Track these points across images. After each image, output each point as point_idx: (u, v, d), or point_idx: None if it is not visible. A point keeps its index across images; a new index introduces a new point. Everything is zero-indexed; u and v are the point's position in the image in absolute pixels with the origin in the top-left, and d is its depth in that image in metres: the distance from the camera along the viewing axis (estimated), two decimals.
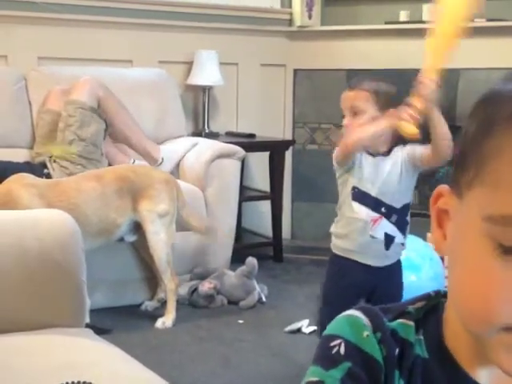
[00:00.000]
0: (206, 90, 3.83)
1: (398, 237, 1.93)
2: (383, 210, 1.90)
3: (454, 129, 4.51)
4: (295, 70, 4.20)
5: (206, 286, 3.01)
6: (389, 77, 3.93)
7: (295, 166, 4.23)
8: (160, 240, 2.76)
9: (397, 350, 0.59)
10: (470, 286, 0.53)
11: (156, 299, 3.01)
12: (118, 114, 3.13)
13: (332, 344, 0.60)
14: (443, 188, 0.58)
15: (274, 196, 3.77)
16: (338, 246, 1.98)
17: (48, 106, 3.19)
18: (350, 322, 0.61)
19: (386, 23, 3.98)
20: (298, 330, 2.75)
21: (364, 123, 1.90)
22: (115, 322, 2.80)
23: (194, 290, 3.01)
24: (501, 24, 3.71)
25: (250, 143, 3.73)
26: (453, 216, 0.57)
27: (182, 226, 2.92)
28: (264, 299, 3.09)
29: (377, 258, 1.94)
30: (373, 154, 1.93)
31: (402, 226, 1.94)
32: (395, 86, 2.01)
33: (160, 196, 2.77)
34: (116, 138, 3.19)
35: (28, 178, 2.74)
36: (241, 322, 2.88)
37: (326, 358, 0.59)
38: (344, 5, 4.18)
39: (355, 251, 1.93)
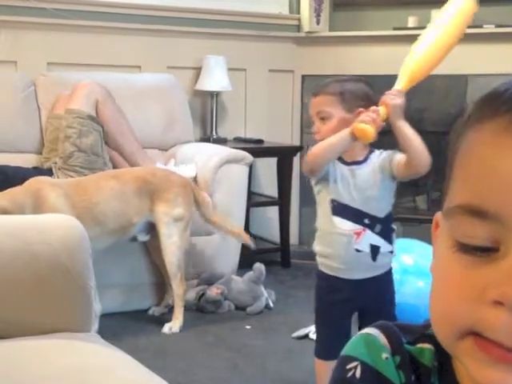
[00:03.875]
0: (214, 95, 3.83)
1: (384, 246, 1.83)
2: (366, 221, 1.81)
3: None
4: (303, 76, 4.20)
5: (213, 292, 3.01)
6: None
7: (303, 172, 4.23)
8: (173, 243, 2.77)
9: (413, 377, 0.56)
10: (436, 293, 0.52)
11: (163, 305, 3.01)
12: (113, 120, 3.12)
13: (348, 367, 0.57)
14: (439, 214, 0.56)
15: (282, 202, 3.77)
16: (324, 263, 1.87)
17: (57, 112, 3.20)
18: (368, 342, 0.58)
19: (395, 29, 3.98)
20: (306, 336, 2.74)
21: (332, 127, 1.83)
22: (122, 326, 2.80)
23: (202, 296, 3.01)
24: (510, 30, 3.70)
25: (258, 149, 3.74)
26: (438, 235, 0.55)
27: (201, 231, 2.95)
28: (271, 305, 3.09)
29: (365, 271, 1.84)
30: (348, 163, 1.84)
31: (386, 235, 1.84)
32: (365, 83, 1.92)
33: (177, 200, 2.78)
34: (108, 143, 3.15)
35: (49, 179, 2.79)
36: (248, 327, 2.88)
37: (342, 382, 0.57)
38: (352, 10, 4.18)
39: (342, 268, 1.84)
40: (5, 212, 2.41)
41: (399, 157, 1.79)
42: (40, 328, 1.44)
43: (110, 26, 3.62)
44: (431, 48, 1.87)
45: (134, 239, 2.88)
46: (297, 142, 4.21)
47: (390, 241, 1.85)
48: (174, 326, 2.79)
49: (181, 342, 2.70)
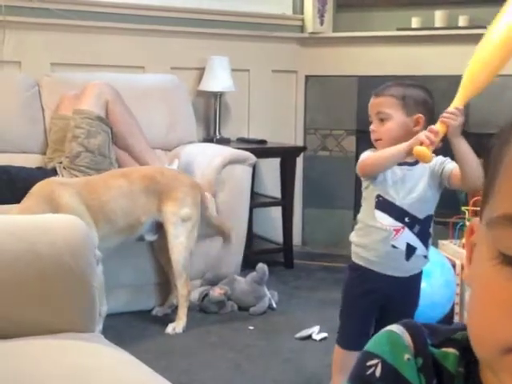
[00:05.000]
0: (217, 96, 3.84)
1: (420, 248, 1.89)
2: (407, 219, 1.87)
3: (467, 136, 4.48)
4: (307, 77, 4.20)
5: (216, 292, 3.01)
6: None
7: (306, 173, 4.23)
8: (180, 243, 2.77)
9: (434, 382, 0.54)
10: (476, 305, 0.49)
11: (167, 305, 3.01)
12: (123, 121, 3.13)
13: (368, 363, 0.56)
14: (475, 221, 0.54)
15: (285, 202, 3.77)
16: (358, 254, 1.94)
17: (61, 112, 3.21)
18: (391, 340, 0.56)
19: (398, 30, 3.98)
20: (309, 337, 2.74)
21: (390, 129, 1.88)
22: (126, 326, 2.80)
23: (205, 296, 3.02)
24: None
25: (262, 149, 3.74)
26: (477, 243, 0.52)
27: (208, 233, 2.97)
28: (274, 305, 3.09)
29: (396, 269, 1.90)
30: (400, 163, 1.89)
31: (424, 238, 1.90)
32: (425, 90, 1.97)
33: (185, 200, 2.78)
34: (117, 144, 3.16)
35: (57, 179, 2.80)
36: (251, 328, 2.88)
37: (360, 379, 0.56)
38: (356, 11, 4.18)
39: (375, 261, 1.90)
40: None
41: (451, 167, 1.84)
42: (43, 328, 1.44)
43: (114, 26, 3.62)
44: (486, 60, 1.87)
45: (142, 239, 2.88)
46: (300, 143, 4.21)
47: (426, 245, 1.91)
48: (177, 326, 2.79)
49: (184, 342, 2.71)
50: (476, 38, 3.95)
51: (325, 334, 2.70)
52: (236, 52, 3.90)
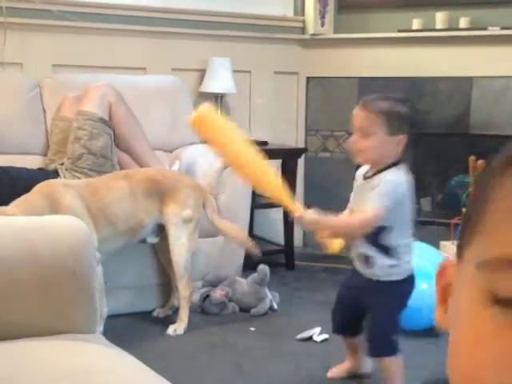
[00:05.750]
0: (218, 97, 3.84)
1: (379, 258, 2.00)
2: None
3: (468, 138, 4.46)
4: (308, 78, 4.20)
5: (217, 293, 3.01)
6: (402, 85, 3.96)
7: (307, 174, 4.23)
8: (181, 245, 2.77)
9: None
10: (459, 349, 0.45)
11: (168, 306, 3.01)
12: (125, 122, 3.13)
13: None
14: (447, 261, 0.51)
15: None
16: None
17: (62, 113, 3.21)
18: None
19: (399, 31, 3.98)
20: (310, 338, 2.74)
21: (371, 146, 1.89)
22: (127, 328, 2.81)
23: (206, 297, 3.02)
24: None
25: (263, 151, 3.73)
26: (454, 283, 0.50)
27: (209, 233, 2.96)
28: (276, 307, 3.09)
29: (364, 271, 2.07)
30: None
31: (381, 248, 1.98)
32: (407, 105, 1.99)
33: (187, 201, 2.78)
34: (119, 145, 3.15)
35: (60, 180, 2.79)
36: (252, 329, 2.88)
37: None
38: (357, 13, 4.18)
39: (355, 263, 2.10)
40: None
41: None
42: (45, 329, 1.44)
43: (115, 28, 3.62)
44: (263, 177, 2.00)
45: (144, 241, 2.88)
46: (301, 144, 4.21)
47: (386, 255, 1.99)
48: (178, 327, 2.79)
49: (185, 343, 2.71)
50: (477, 39, 3.96)
51: (326, 336, 2.70)
52: (237, 53, 3.90)
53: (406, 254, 2.03)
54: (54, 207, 2.53)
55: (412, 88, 3.96)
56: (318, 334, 2.75)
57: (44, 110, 3.29)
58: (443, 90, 3.92)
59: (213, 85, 3.76)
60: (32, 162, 3.16)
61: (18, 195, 2.65)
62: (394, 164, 1.98)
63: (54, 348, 1.39)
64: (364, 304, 2.10)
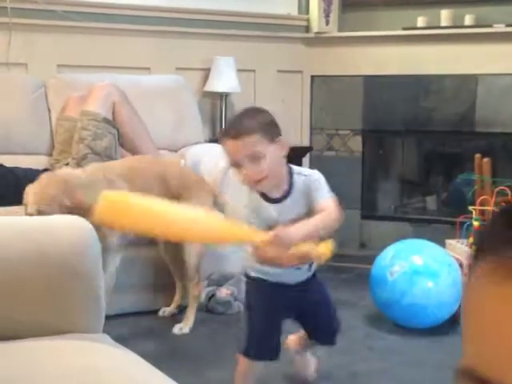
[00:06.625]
0: (223, 96, 3.84)
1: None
2: None
3: (473, 135, 4.44)
4: (312, 77, 4.20)
5: (223, 293, 3.01)
6: (406, 83, 3.95)
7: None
8: (193, 247, 2.78)
9: None
10: None
11: (174, 305, 3.01)
12: (129, 122, 3.13)
13: None
14: None
15: None
16: None
17: (67, 113, 3.21)
18: None
19: (404, 29, 3.97)
20: None
21: (270, 164, 1.80)
22: (133, 327, 2.81)
23: (211, 297, 3.02)
24: None
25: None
26: None
27: None
28: None
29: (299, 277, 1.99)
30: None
31: None
32: (266, 111, 1.91)
33: (195, 201, 2.75)
34: (123, 145, 3.15)
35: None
36: None
37: None
38: (361, 11, 4.17)
39: None
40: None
41: (321, 203, 1.87)
42: (49, 329, 1.44)
43: (119, 28, 3.63)
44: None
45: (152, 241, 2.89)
46: (306, 143, 4.21)
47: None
48: (184, 326, 2.80)
49: (191, 342, 2.71)
50: (482, 37, 3.94)
51: None
52: (241, 52, 3.90)
53: None
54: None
55: (417, 86, 3.95)
56: None
57: (49, 110, 3.29)
58: (448, 87, 3.91)
59: (217, 84, 3.76)
60: (37, 162, 3.16)
61: (23, 195, 2.64)
62: (290, 169, 1.90)
63: (59, 347, 1.39)
64: (307, 306, 2.03)
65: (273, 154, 1.81)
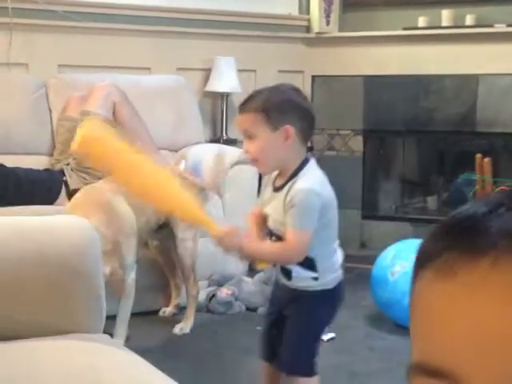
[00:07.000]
0: (224, 96, 3.84)
1: (299, 270, 1.76)
2: (273, 239, 1.79)
3: (474, 135, 4.45)
4: (313, 77, 4.20)
5: (223, 293, 3.01)
6: (407, 83, 3.95)
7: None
8: (188, 247, 2.78)
9: None
10: None
11: (174, 305, 3.01)
12: (130, 123, 3.13)
13: None
14: None
15: None
16: None
17: (68, 113, 3.22)
18: None
19: (405, 29, 3.97)
20: None
21: (259, 148, 1.71)
22: (133, 327, 2.80)
23: (212, 297, 3.02)
24: None
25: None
26: None
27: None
28: None
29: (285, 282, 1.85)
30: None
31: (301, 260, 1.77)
32: (290, 90, 1.77)
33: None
34: None
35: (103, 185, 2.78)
36: (259, 328, 2.86)
37: None
38: (362, 11, 4.17)
39: None
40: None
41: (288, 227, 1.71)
42: (50, 329, 1.44)
43: (120, 27, 3.63)
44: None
45: (145, 245, 2.89)
46: None
47: (305, 266, 1.77)
48: (184, 326, 2.80)
49: (191, 342, 2.71)
50: (483, 37, 3.94)
51: (332, 335, 2.69)
52: (242, 52, 3.90)
53: (330, 264, 1.78)
54: (112, 216, 2.49)
55: (418, 86, 3.95)
56: (324, 332, 2.74)
57: (50, 110, 3.30)
58: (449, 87, 3.90)
59: (218, 84, 3.76)
60: (38, 162, 3.16)
61: (24, 196, 2.65)
62: (303, 163, 1.75)
63: (59, 347, 1.39)
64: (283, 314, 1.86)
65: (269, 139, 1.70)
